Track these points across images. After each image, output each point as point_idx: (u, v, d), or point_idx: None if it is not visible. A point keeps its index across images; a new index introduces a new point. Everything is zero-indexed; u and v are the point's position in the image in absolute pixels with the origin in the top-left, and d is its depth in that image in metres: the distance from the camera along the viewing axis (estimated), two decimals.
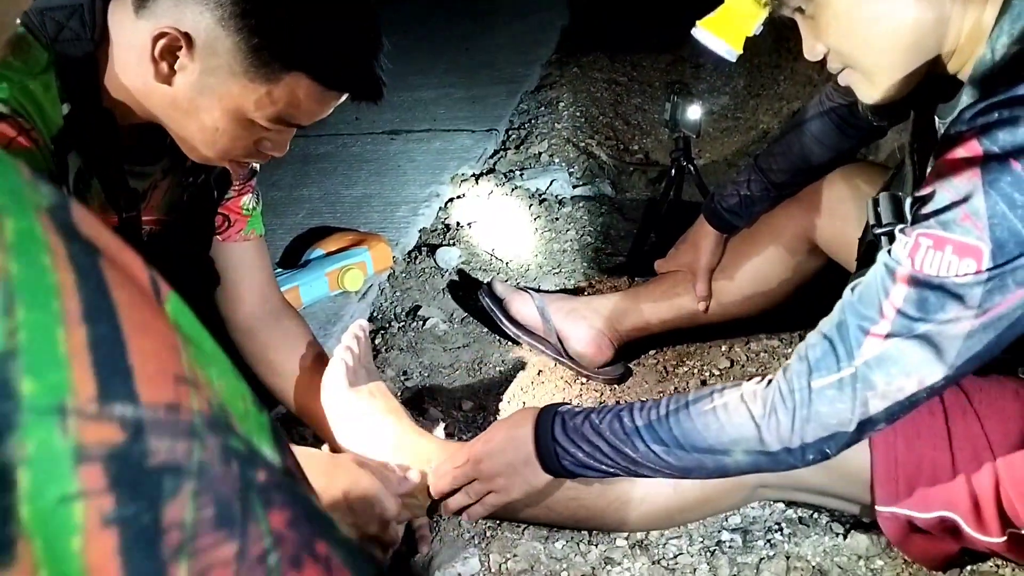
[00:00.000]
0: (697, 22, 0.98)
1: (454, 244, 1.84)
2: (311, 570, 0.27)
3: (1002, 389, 0.94)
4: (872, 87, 0.86)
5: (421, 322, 1.60)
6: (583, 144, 2.28)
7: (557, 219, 1.93)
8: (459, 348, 1.55)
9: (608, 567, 1.05)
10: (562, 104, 2.53)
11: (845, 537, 1.05)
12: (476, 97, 2.61)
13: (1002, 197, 0.71)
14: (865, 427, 0.80)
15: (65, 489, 0.23)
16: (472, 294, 1.62)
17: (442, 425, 1.28)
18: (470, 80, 2.76)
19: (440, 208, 1.98)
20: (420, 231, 1.89)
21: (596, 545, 1.08)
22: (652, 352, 1.50)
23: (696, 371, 1.44)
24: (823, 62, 0.89)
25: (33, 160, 0.83)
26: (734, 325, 1.46)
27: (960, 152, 0.73)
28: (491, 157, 2.24)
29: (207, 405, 0.27)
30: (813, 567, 1.02)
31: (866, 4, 0.81)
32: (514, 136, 2.36)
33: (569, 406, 0.99)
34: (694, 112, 1.72)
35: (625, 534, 1.09)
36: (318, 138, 2.32)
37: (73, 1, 0.88)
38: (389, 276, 1.72)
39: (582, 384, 1.44)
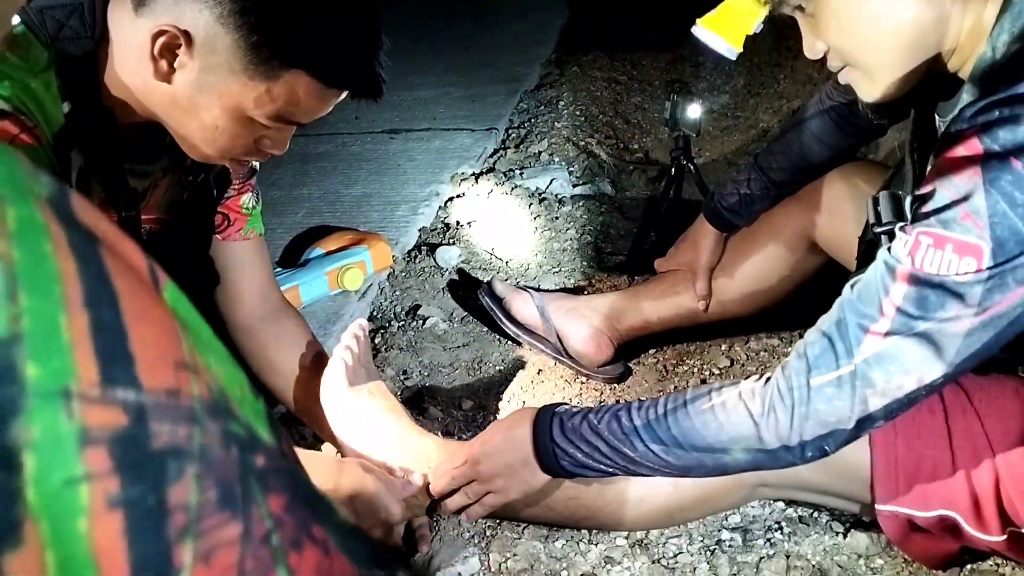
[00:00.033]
0: (697, 20, 0.98)
1: (454, 243, 1.84)
2: (311, 552, 0.27)
3: (1002, 388, 0.94)
4: (872, 85, 0.86)
5: (421, 321, 1.60)
6: (583, 143, 2.28)
7: (557, 218, 1.93)
8: (459, 347, 1.54)
9: (608, 566, 1.05)
10: (562, 103, 2.53)
11: (845, 536, 1.05)
12: (476, 96, 2.61)
13: (1003, 196, 0.71)
14: (864, 424, 0.81)
15: (71, 472, 0.24)
16: (472, 293, 1.62)
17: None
18: (470, 79, 2.76)
19: (440, 207, 1.98)
20: (420, 230, 1.89)
21: (596, 544, 1.08)
22: (652, 351, 1.50)
23: (696, 370, 1.44)
24: (823, 61, 0.88)
25: (36, 157, 0.83)
26: (734, 324, 1.46)
27: (960, 150, 0.73)
28: (491, 156, 2.24)
29: (207, 390, 0.27)
30: (813, 566, 1.02)
31: (866, 2, 0.81)
32: (514, 135, 2.36)
33: (567, 406, 0.99)
34: (694, 111, 1.72)
35: (625, 533, 1.09)
36: (318, 137, 2.32)
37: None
38: (389, 275, 1.72)
39: (582, 383, 1.44)
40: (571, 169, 2.13)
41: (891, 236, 0.81)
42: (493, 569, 1.06)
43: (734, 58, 0.99)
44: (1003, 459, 0.91)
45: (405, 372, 1.48)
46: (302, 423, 1.25)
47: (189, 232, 1.12)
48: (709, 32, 0.96)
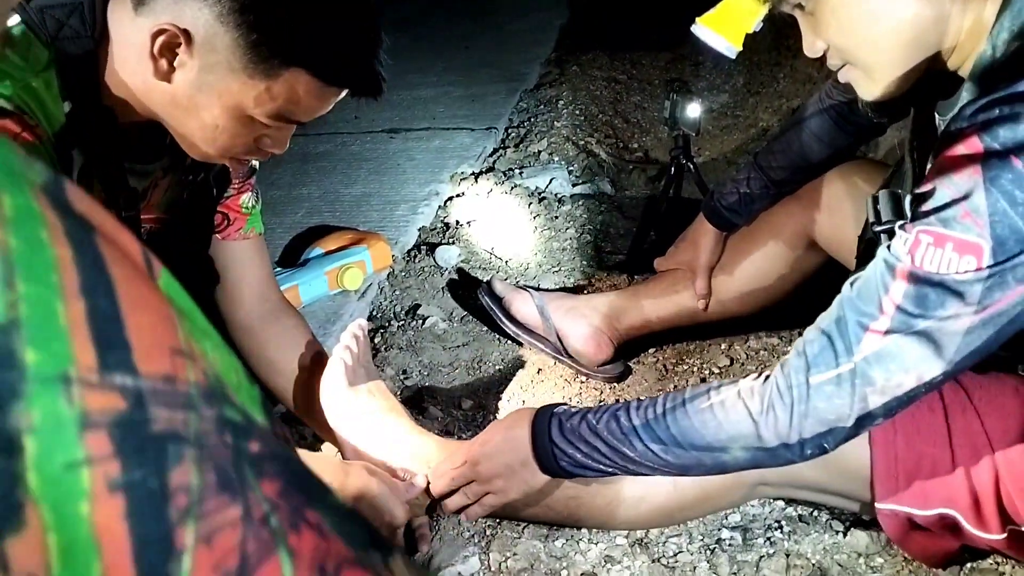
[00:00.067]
0: (697, 19, 0.98)
1: (453, 243, 1.84)
2: (307, 535, 0.27)
3: (1002, 386, 0.94)
4: (872, 84, 0.85)
5: (420, 321, 1.60)
6: (582, 142, 2.28)
7: (556, 217, 1.93)
8: (459, 347, 1.54)
9: (608, 565, 1.05)
10: (561, 102, 2.53)
11: (845, 535, 1.05)
12: (475, 95, 2.61)
13: (1003, 194, 0.70)
14: (864, 422, 0.81)
15: (72, 455, 0.24)
16: (471, 293, 1.62)
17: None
18: (469, 78, 2.75)
19: (439, 207, 1.98)
20: (419, 230, 1.89)
21: (596, 543, 1.08)
22: (652, 350, 1.50)
23: (696, 369, 1.44)
24: (823, 59, 0.88)
25: (38, 156, 0.83)
26: (734, 323, 1.45)
27: (961, 149, 0.73)
28: (490, 155, 2.24)
29: (203, 376, 0.27)
30: (813, 565, 1.02)
31: (866, 0, 0.81)
32: (513, 134, 2.36)
33: (565, 406, 0.99)
34: (693, 110, 1.72)
35: (625, 532, 1.09)
36: (317, 137, 2.32)
37: None
38: (388, 275, 1.72)
39: (582, 382, 1.44)
40: (571, 168, 2.13)
41: (891, 235, 0.81)
42: (493, 568, 1.06)
43: (734, 56, 0.99)
44: (1003, 457, 0.91)
45: (405, 371, 1.47)
46: (302, 423, 1.25)
47: (189, 231, 1.12)
48: (709, 31, 0.96)
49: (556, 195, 2.01)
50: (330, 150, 2.29)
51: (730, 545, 1.06)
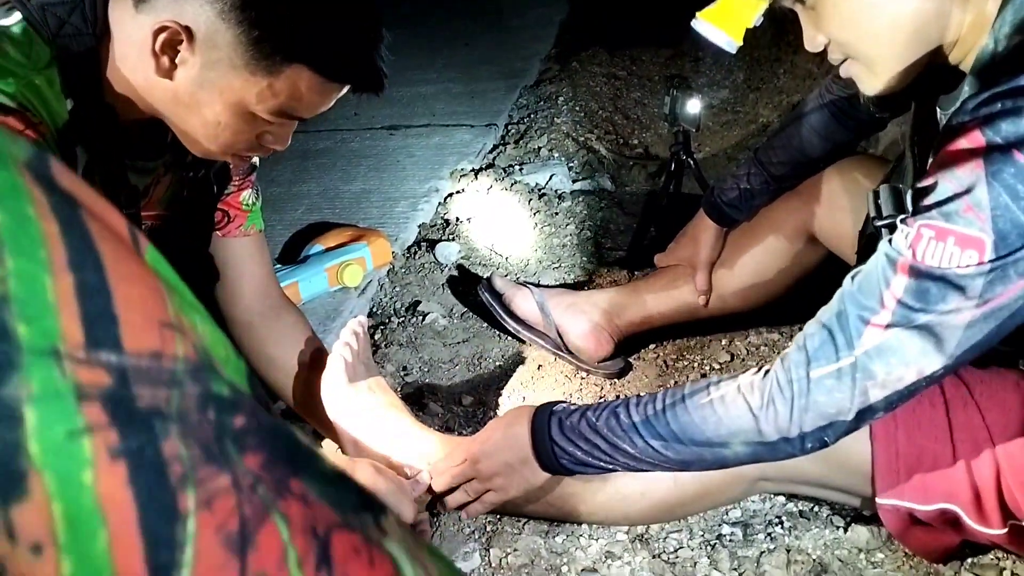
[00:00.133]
0: (697, 13, 0.98)
1: (453, 239, 1.83)
2: (293, 504, 0.28)
3: (1003, 381, 0.94)
4: (874, 78, 0.85)
5: (420, 317, 1.60)
6: (582, 138, 2.28)
7: (556, 214, 1.92)
8: (459, 343, 1.54)
9: (609, 561, 1.05)
10: (561, 99, 2.52)
11: (846, 530, 1.05)
12: (475, 92, 2.61)
13: (1005, 188, 0.70)
14: (864, 416, 0.81)
15: (72, 424, 0.24)
16: (472, 289, 1.62)
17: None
18: (469, 75, 2.75)
19: (439, 203, 1.98)
20: (419, 226, 1.89)
21: (596, 539, 1.08)
22: (652, 346, 1.50)
23: (696, 365, 1.43)
24: (823, 55, 0.88)
25: None
26: (734, 319, 1.45)
27: (963, 143, 0.73)
28: (490, 152, 2.24)
29: (193, 350, 0.27)
30: (814, 560, 1.02)
31: None
32: (513, 131, 2.36)
33: (564, 404, 0.99)
34: (693, 106, 1.72)
35: (625, 528, 1.09)
36: (317, 134, 2.32)
37: None
38: (388, 271, 1.72)
39: (582, 379, 1.44)
40: (571, 165, 2.13)
41: (892, 229, 0.80)
42: (494, 564, 1.06)
43: (734, 51, 0.98)
44: (1004, 452, 0.91)
45: (405, 368, 1.47)
46: (302, 419, 1.25)
47: (189, 228, 1.11)
48: (709, 25, 0.96)
49: (556, 191, 2.01)
50: (330, 147, 2.29)
51: (731, 541, 1.06)
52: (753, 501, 1.11)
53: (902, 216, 0.79)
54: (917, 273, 0.75)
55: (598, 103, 2.53)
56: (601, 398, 1.39)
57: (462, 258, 1.78)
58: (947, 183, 0.74)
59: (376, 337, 1.54)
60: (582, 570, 1.04)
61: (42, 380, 0.24)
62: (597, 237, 1.86)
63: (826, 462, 0.97)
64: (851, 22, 0.82)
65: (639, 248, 1.80)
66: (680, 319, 1.45)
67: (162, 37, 0.84)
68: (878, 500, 0.97)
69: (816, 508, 1.09)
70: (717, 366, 1.42)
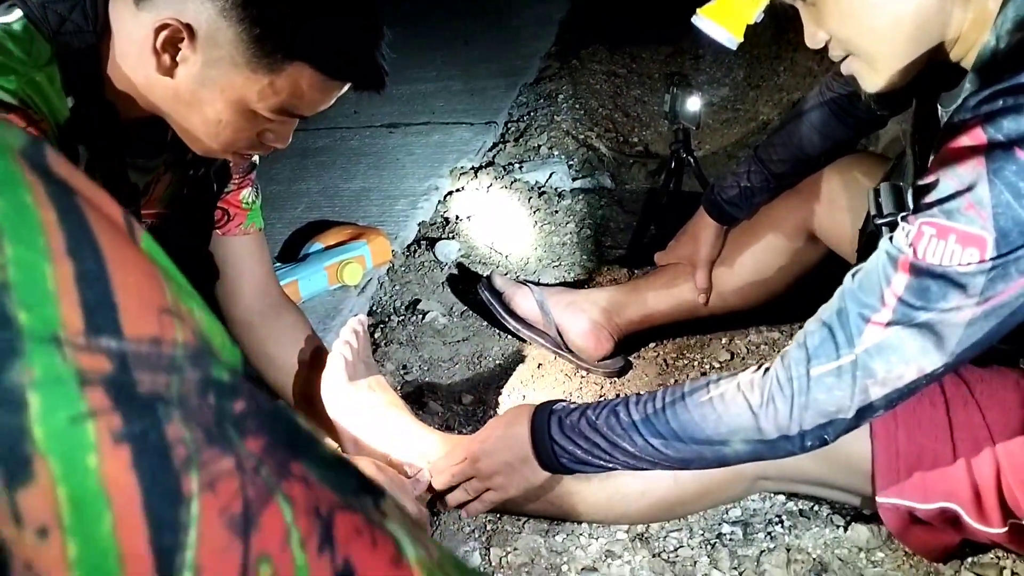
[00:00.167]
0: (698, 10, 0.97)
1: (453, 237, 1.83)
2: (296, 485, 0.28)
3: (1003, 380, 0.93)
4: (875, 75, 0.85)
5: (420, 316, 1.59)
6: (582, 136, 2.28)
7: (556, 212, 1.92)
8: (459, 342, 1.54)
9: (608, 560, 1.05)
10: (561, 96, 2.52)
11: (846, 529, 1.05)
12: (475, 90, 2.61)
13: (1006, 186, 0.70)
14: (864, 414, 0.80)
15: (75, 409, 0.24)
16: (471, 288, 1.61)
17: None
18: (469, 73, 2.75)
19: (439, 201, 1.98)
20: (419, 224, 1.89)
21: (596, 538, 1.08)
22: (652, 345, 1.50)
23: (696, 364, 1.43)
24: (823, 52, 0.88)
25: None
26: (734, 317, 1.45)
27: (964, 140, 0.73)
28: (490, 150, 2.23)
29: (192, 336, 0.28)
30: (814, 559, 1.02)
31: None
32: (513, 129, 2.36)
33: (564, 403, 0.99)
34: (693, 104, 1.71)
35: (625, 527, 1.09)
36: (316, 132, 2.32)
37: None
38: (388, 270, 1.72)
39: (582, 377, 1.44)
40: (570, 163, 2.13)
41: (892, 227, 0.80)
42: (494, 563, 1.06)
43: (734, 48, 0.98)
44: (1004, 451, 0.91)
45: (405, 367, 1.47)
46: None
47: (189, 227, 1.11)
48: (709, 21, 0.96)
49: (556, 189, 2.01)
50: (329, 145, 2.29)
51: (731, 539, 1.06)
52: (753, 500, 1.11)
53: (903, 214, 0.79)
54: (918, 271, 0.75)
55: (598, 101, 2.53)
56: (601, 397, 1.39)
57: (462, 256, 1.78)
58: (948, 181, 0.73)
59: (376, 336, 1.54)
60: (582, 569, 1.04)
61: (44, 366, 0.24)
62: (597, 235, 1.86)
63: (826, 461, 0.97)
64: (852, 18, 0.82)
65: (639, 246, 1.80)
66: (680, 317, 1.45)
67: (163, 35, 0.84)
68: (878, 499, 0.97)
69: (816, 507, 1.09)
70: (717, 365, 1.42)
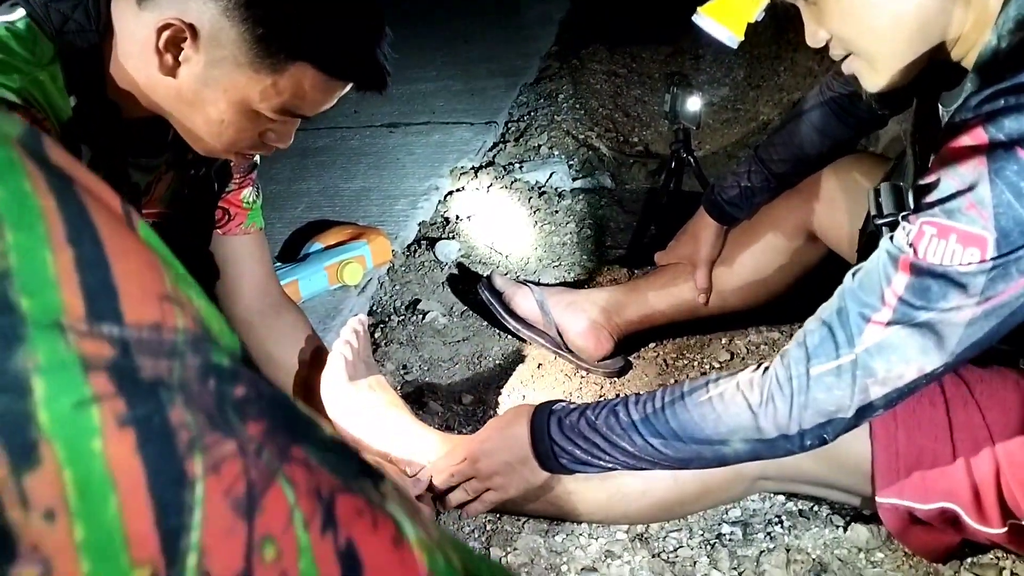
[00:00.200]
0: (698, 8, 0.97)
1: (453, 237, 1.83)
2: (297, 468, 0.28)
3: (1003, 380, 0.93)
4: (876, 74, 0.85)
5: (420, 316, 1.59)
6: (582, 136, 2.28)
7: (556, 212, 1.92)
8: (459, 342, 1.54)
9: (608, 560, 1.05)
10: (561, 96, 2.52)
11: (845, 529, 1.05)
12: (475, 90, 2.61)
13: (1008, 186, 0.70)
14: (864, 413, 0.80)
15: (80, 394, 0.24)
16: (471, 287, 1.61)
17: None
18: (469, 73, 2.75)
19: (439, 201, 1.98)
20: (419, 224, 1.89)
21: (596, 538, 1.08)
22: (652, 345, 1.50)
23: (696, 364, 1.43)
24: (824, 52, 0.88)
25: None
26: (734, 317, 1.45)
27: (965, 140, 0.73)
28: (490, 150, 2.23)
29: (192, 322, 0.28)
30: (813, 560, 1.02)
31: None
32: (513, 129, 2.36)
33: (563, 403, 0.99)
34: (694, 103, 1.71)
35: (625, 527, 1.09)
36: (316, 131, 2.32)
37: None
38: (388, 270, 1.72)
39: (582, 377, 1.43)
40: (571, 163, 2.13)
41: (892, 227, 0.80)
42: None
43: (735, 46, 0.98)
44: (1004, 451, 0.91)
45: (405, 367, 1.47)
46: None
47: (190, 226, 1.11)
48: (710, 20, 0.96)
49: (556, 189, 2.01)
50: (329, 144, 2.29)
51: (730, 540, 1.06)
52: (753, 500, 1.11)
53: (904, 213, 0.79)
54: (918, 270, 0.75)
55: (598, 101, 2.53)
56: (601, 397, 1.39)
57: (462, 256, 1.78)
58: (950, 180, 0.73)
59: (376, 335, 1.54)
60: (582, 569, 1.04)
61: (48, 352, 0.24)
62: (597, 235, 1.86)
63: (826, 461, 0.97)
64: (853, 18, 0.82)
65: (639, 246, 1.80)
66: (680, 317, 1.45)
67: (166, 35, 0.84)
68: (878, 499, 0.97)
69: (816, 507, 1.09)
70: (717, 365, 1.42)
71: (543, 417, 0.97)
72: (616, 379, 1.43)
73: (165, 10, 0.84)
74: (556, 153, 2.18)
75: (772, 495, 1.11)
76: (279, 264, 1.62)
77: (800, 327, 0.85)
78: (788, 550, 1.03)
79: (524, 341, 1.51)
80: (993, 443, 0.91)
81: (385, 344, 1.52)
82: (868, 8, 0.80)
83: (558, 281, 1.71)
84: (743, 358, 1.43)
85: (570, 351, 1.44)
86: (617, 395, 1.38)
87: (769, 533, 1.06)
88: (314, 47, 0.87)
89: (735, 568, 1.02)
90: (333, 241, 1.69)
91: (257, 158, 1.17)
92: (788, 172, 1.34)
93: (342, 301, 1.60)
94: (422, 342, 1.53)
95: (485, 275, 1.56)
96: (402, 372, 1.46)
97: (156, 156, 1.02)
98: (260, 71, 0.86)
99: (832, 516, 1.07)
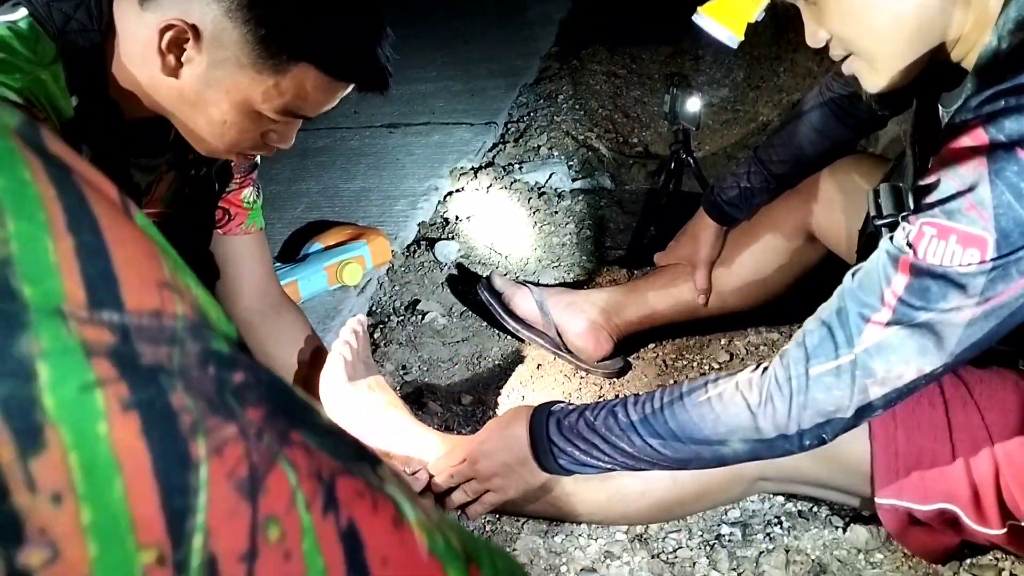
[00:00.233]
0: (698, 8, 0.97)
1: (453, 238, 1.83)
2: (298, 452, 0.29)
3: (1003, 381, 0.93)
4: (875, 75, 0.85)
5: (420, 316, 1.59)
6: (582, 137, 2.28)
7: (556, 212, 1.92)
8: (458, 342, 1.54)
9: (608, 561, 1.05)
10: (561, 97, 2.52)
11: (845, 530, 1.05)
12: (475, 90, 2.61)
13: (1008, 187, 0.70)
14: (863, 413, 0.80)
15: (84, 378, 0.25)
16: (471, 288, 1.61)
17: None
18: (469, 73, 2.75)
19: (439, 202, 1.98)
20: (419, 225, 1.89)
21: (596, 539, 1.08)
22: (652, 346, 1.50)
23: (696, 365, 1.43)
24: (823, 53, 0.88)
25: None
26: (734, 318, 1.45)
27: (966, 141, 0.73)
28: (490, 150, 2.23)
29: (190, 309, 0.28)
30: (812, 560, 1.02)
31: None
32: (513, 129, 2.36)
33: (562, 404, 0.99)
34: (693, 104, 1.71)
35: (624, 528, 1.09)
36: (316, 132, 2.32)
37: None
38: (388, 270, 1.72)
39: (581, 378, 1.43)
40: (570, 163, 2.13)
41: (892, 228, 0.80)
42: None
43: (735, 46, 0.98)
44: (1003, 452, 0.91)
45: (404, 367, 1.47)
46: None
47: (191, 226, 1.11)
48: (710, 20, 0.96)
49: (556, 190, 2.01)
50: (329, 145, 2.29)
51: (730, 541, 1.06)
52: (752, 501, 1.11)
53: (903, 214, 0.79)
54: (918, 271, 0.75)
55: (598, 101, 2.53)
56: (600, 397, 1.39)
57: (461, 257, 1.78)
58: (950, 181, 0.73)
59: (375, 336, 1.54)
60: (581, 570, 1.04)
61: (51, 337, 0.25)
62: (596, 236, 1.86)
63: (826, 462, 0.97)
64: (853, 18, 0.82)
65: (639, 247, 1.80)
66: (680, 318, 1.45)
67: (168, 35, 0.84)
68: (877, 500, 0.97)
69: (815, 508, 1.09)
70: (717, 365, 1.42)
71: (542, 418, 0.97)
72: (615, 380, 1.43)
73: (167, 11, 0.84)
74: (556, 154, 2.18)
75: (771, 496, 1.11)
76: (279, 264, 1.62)
77: (799, 328, 0.85)
78: (787, 551, 1.03)
79: (523, 342, 1.51)
80: (992, 444, 0.91)
81: (384, 344, 1.52)
82: (868, 8, 0.80)
83: (557, 282, 1.71)
84: (743, 359, 1.43)
85: (569, 352, 1.44)
86: (616, 396, 1.38)
87: (768, 534, 1.06)
88: (316, 48, 0.87)
89: (734, 569, 1.02)
90: (333, 241, 1.69)
91: (258, 158, 1.17)
92: (787, 173, 1.34)
93: (342, 301, 1.60)
94: (421, 342, 1.53)
95: (484, 276, 1.56)
96: (401, 372, 1.46)
97: (157, 156, 1.02)
98: (262, 72, 0.87)
99: (831, 517, 1.07)
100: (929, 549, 0.99)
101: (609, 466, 0.93)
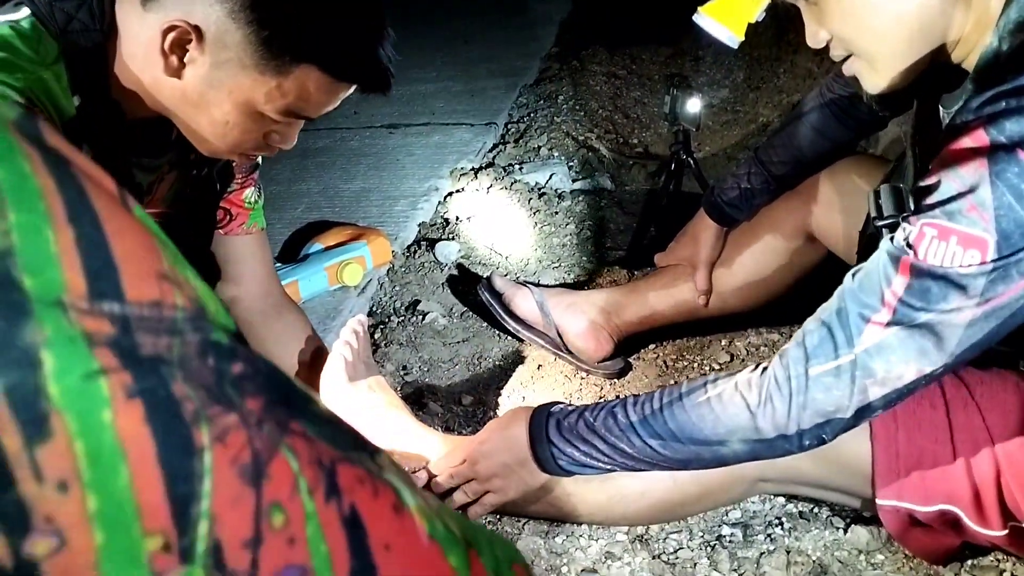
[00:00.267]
0: (699, 8, 0.97)
1: (453, 238, 1.83)
2: (299, 440, 0.29)
3: (1003, 382, 0.93)
4: (876, 76, 0.85)
5: (420, 316, 1.59)
6: (582, 138, 2.28)
7: (556, 213, 1.92)
8: (458, 343, 1.54)
9: (608, 561, 1.05)
10: (561, 98, 2.52)
11: (846, 531, 1.05)
12: (475, 91, 2.61)
13: (1009, 188, 0.70)
14: (863, 413, 0.80)
15: (88, 366, 0.25)
16: (471, 288, 1.61)
17: None
18: (469, 74, 2.75)
19: (439, 202, 1.98)
20: (419, 225, 1.89)
21: (596, 540, 1.08)
22: (652, 346, 1.50)
23: (696, 365, 1.43)
24: (823, 54, 0.88)
25: None
26: (734, 319, 1.45)
27: (966, 142, 0.73)
28: (490, 151, 2.23)
29: (189, 301, 0.28)
30: (813, 561, 1.02)
31: None
32: (513, 130, 2.36)
33: (561, 405, 0.99)
34: (693, 105, 1.72)
35: (625, 528, 1.09)
36: (316, 132, 2.32)
37: None
38: (388, 270, 1.72)
39: (582, 379, 1.43)
40: (570, 164, 2.13)
41: (892, 229, 0.80)
42: None
43: (735, 47, 0.98)
44: (1004, 453, 0.91)
45: (405, 367, 1.47)
46: None
47: (192, 226, 1.11)
48: (711, 20, 0.96)
49: (556, 191, 2.01)
50: (329, 145, 2.29)
51: (730, 541, 1.06)
52: (753, 502, 1.11)
53: (904, 215, 0.79)
54: (919, 272, 0.75)
55: (598, 102, 2.53)
56: (600, 398, 1.39)
57: (462, 257, 1.78)
58: (950, 182, 0.73)
59: (376, 336, 1.54)
60: (582, 570, 1.04)
61: (55, 326, 0.25)
62: (597, 237, 1.86)
63: (826, 462, 0.97)
64: (854, 18, 0.82)
65: (639, 248, 1.80)
66: (680, 319, 1.45)
67: (171, 36, 0.84)
68: (878, 501, 0.97)
69: (816, 509, 1.09)
70: (717, 366, 1.42)
71: (542, 419, 0.97)
72: (616, 380, 1.43)
73: (170, 11, 0.84)
74: (556, 154, 2.18)
75: (772, 497, 1.11)
76: (279, 265, 1.62)
77: (799, 328, 0.85)
78: (788, 552, 1.03)
79: (524, 342, 1.51)
80: (993, 445, 0.91)
81: (385, 345, 1.52)
82: (869, 8, 0.80)
83: (558, 282, 1.71)
84: (743, 359, 1.43)
85: (570, 352, 1.44)
86: (617, 396, 1.38)
87: (769, 535, 1.06)
88: (319, 49, 0.87)
89: (735, 570, 1.02)
90: (333, 242, 1.69)
91: (259, 159, 1.17)
92: (788, 174, 1.34)
93: (342, 302, 1.60)
94: (422, 343, 1.53)
95: (485, 276, 1.56)
96: (402, 373, 1.46)
97: (159, 156, 1.02)
98: (265, 73, 0.87)
99: (832, 518, 1.07)
100: (930, 550, 0.99)
101: (609, 467, 0.93)
